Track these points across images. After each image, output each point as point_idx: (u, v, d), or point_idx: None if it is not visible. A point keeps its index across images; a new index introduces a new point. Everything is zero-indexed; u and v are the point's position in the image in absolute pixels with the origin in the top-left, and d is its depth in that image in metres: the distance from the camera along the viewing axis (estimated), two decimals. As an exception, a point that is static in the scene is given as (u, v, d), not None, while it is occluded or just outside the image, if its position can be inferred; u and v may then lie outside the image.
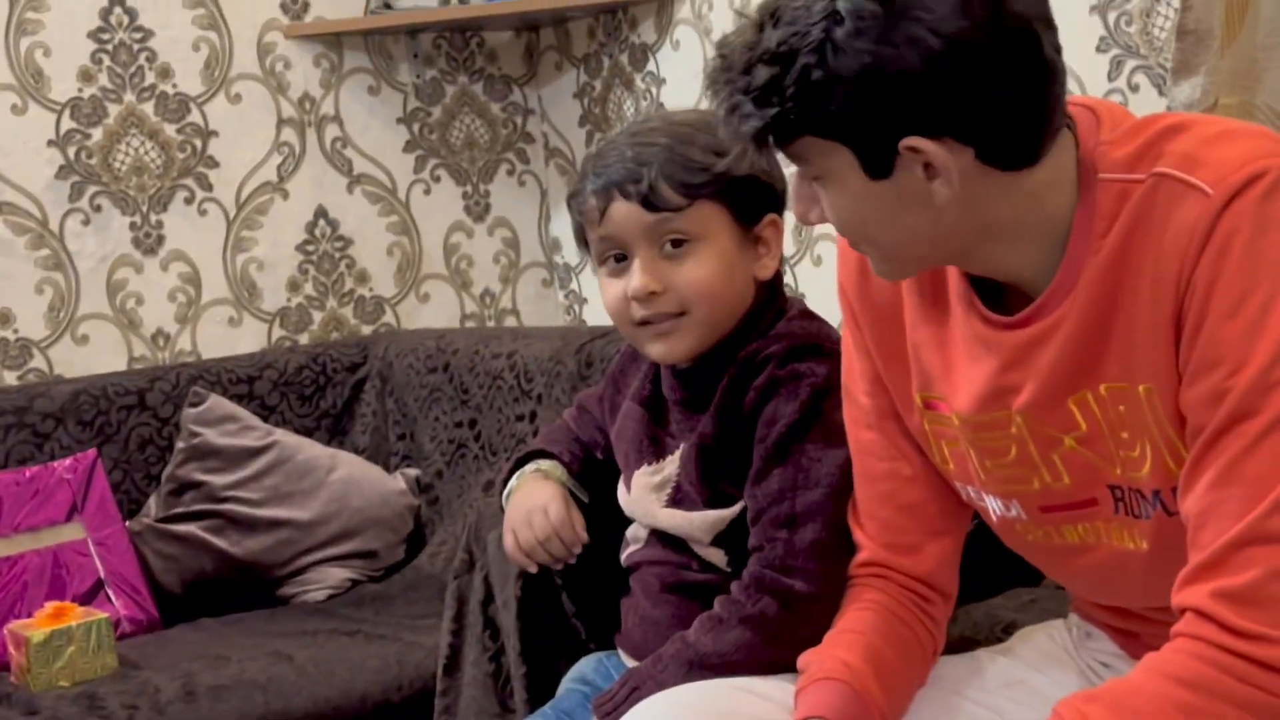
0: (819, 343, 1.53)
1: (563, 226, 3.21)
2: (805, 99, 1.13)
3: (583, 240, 1.60)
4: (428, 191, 3.12)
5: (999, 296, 1.26)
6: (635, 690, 1.47)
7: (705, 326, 1.55)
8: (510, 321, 3.23)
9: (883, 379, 1.39)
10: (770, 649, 1.47)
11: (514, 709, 1.78)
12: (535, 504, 1.67)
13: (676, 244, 1.53)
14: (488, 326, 3.17)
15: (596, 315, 3.15)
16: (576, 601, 1.77)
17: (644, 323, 1.56)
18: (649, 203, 1.52)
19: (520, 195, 3.23)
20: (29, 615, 2.27)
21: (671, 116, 1.61)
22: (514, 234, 3.23)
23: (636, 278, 1.54)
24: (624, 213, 1.53)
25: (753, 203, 1.56)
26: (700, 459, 1.56)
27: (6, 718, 2.06)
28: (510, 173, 3.21)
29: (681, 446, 1.59)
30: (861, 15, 1.10)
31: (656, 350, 1.57)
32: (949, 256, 1.23)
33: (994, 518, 1.36)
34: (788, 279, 3.19)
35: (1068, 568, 1.35)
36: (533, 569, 1.68)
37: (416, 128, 3.09)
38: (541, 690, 1.74)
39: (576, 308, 3.23)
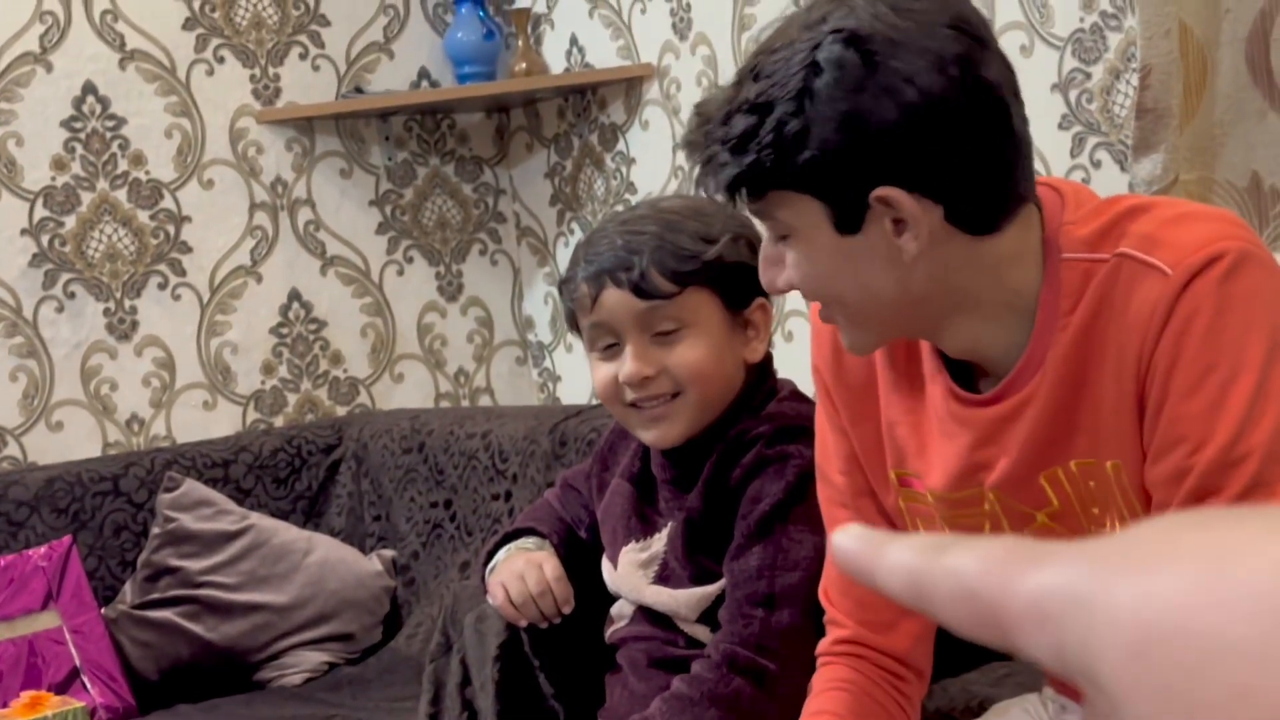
0: (808, 424, 1.53)
1: (535, 305, 3.23)
2: (781, 148, 1.14)
3: (574, 325, 1.62)
4: (401, 272, 3.14)
5: (970, 374, 1.27)
6: None
7: (698, 409, 1.56)
8: (485, 400, 3.24)
9: (858, 457, 1.39)
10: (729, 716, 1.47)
11: None
12: (530, 561, 1.68)
13: (667, 330, 1.55)
14: (462, 406, 3.18)
15: (570, 393, 3.17)
16: (555, 683, 1.77)
17: (635, 405, 1.57)
18: (640, 290, 1.54)
19: (493, 274, 3.25)
20: (4, 705, 2.26)
21: (659, 204, 1.64)
22: (487, 313, 3.25)
23: (629, 364, 1.55)
24: (615, 300, 1.55)
25: (741, 288, 1.57)
26: (687, 534, 1.57)
27: None
28: (483, 252, 3.23)
29: (669, 524, 1.61)
30: (841, 65, 1.12)
31: (649, 435, 1.59)
32: (918, 327, 1.24)
33: None
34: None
35: None
36: (521, 624, 1.68)
37: (389, 209, 3.11)
38: None
39: (550, 385, 3.25)
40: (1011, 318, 1.21)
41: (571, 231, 3.11)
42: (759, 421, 1.56)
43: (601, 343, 1.59)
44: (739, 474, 1.54)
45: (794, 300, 2.55)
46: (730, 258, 1.55)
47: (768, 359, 1.63)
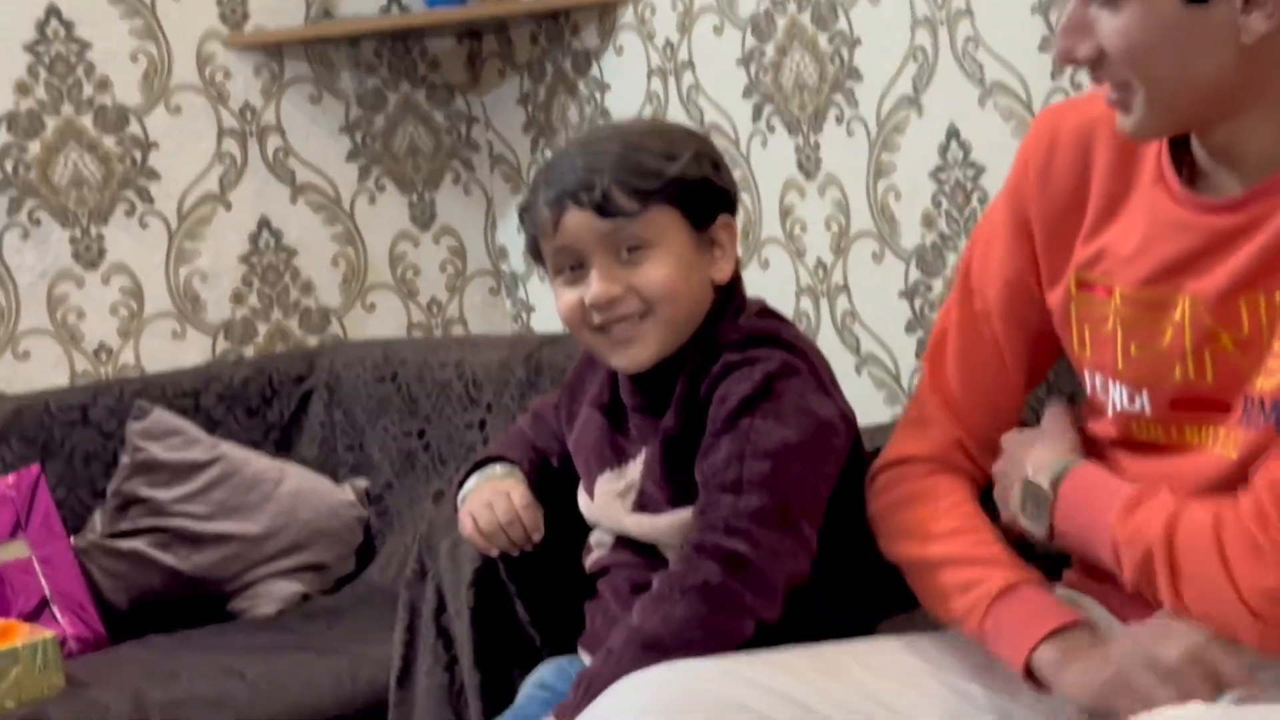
0: (777, 334, 1.55)
1: (509, 234, 3.20)
2: None
3: (536, 253, 1.60)
4: (372, 201, 3.11)
5: (1191, 183, 1.30)
6: (589, 689, 1.47)
7: (667, 329, 1.55)
8: (458, 330, 3.22)
9: (1022, 283, 1.45)
10: (719, 617, 1.47)
11: (468, 719, 1.78)
12: (498, 490, 1.68)
13: (632, 249, 1.54)
14: (435, 336, 3.16)
15: (544, 323, 3.15)
16: (531, 609, 1.78)
17: (602, 329, 1.56)
18: (603, 210, 1.52)
19: (466, 203, 3.22)
20: None
21: (622, 125, 1.65)
22: (460, 242, 3.22)
23: (595, 285, 1.54)
24: (578, 221, 1.53)
25: (705, 206, 1.57)
26: (665, 455, 1.57)
27: None
28: (455, 181, 3.20)
29: (643, 451, 1.60)
30: None
31: (619, 360, 1.58)
32: (1207, 117, 1.25)
33: (1112, 411, 1.39)
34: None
35: (1177, 474, 1.34)
36: (492, 553, 1.68)
37: (359, 136, 3.07)
38: (496, 700, 1.74)
39: (524, 315, 3.23)
40: None
41: (545, 159, 3.07)
42: (728, 332, 1.56)
43: (566, 267, 1.57)
44: (708, 384, 1.54)
45: (770, 227, 2.53)
46: (693, 174, 1.55)
47: (736, 279, 1.62)
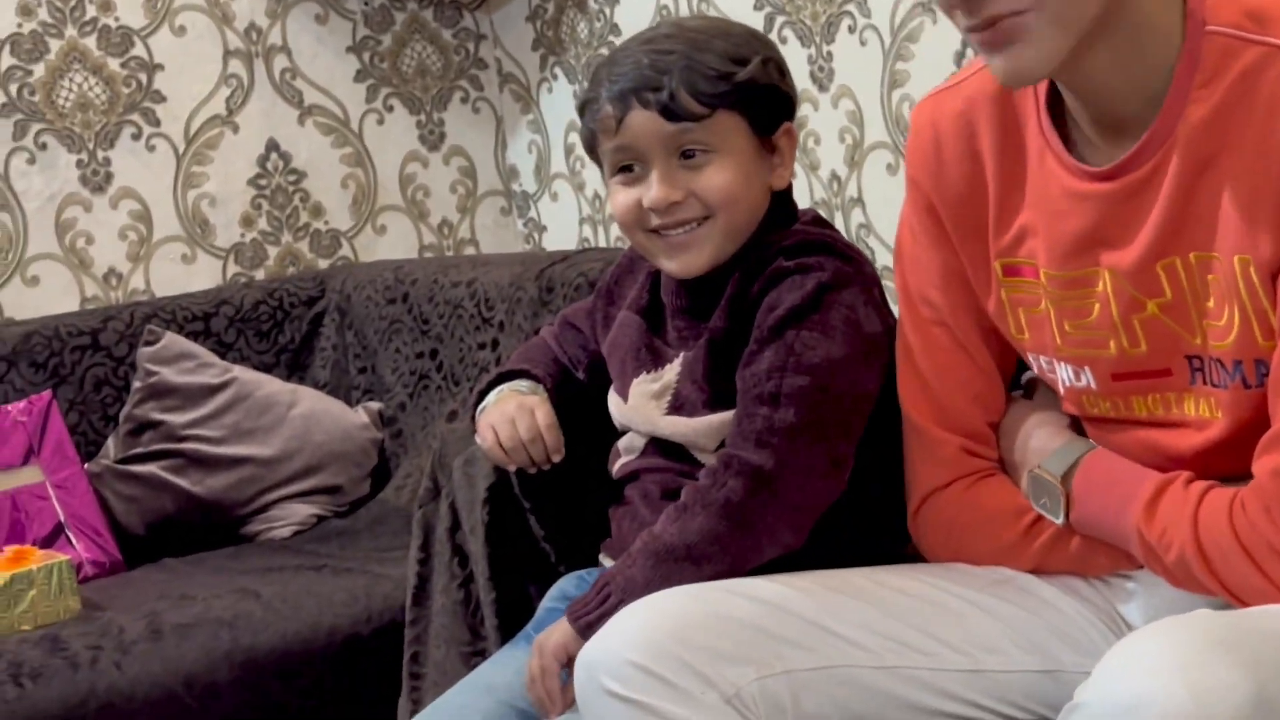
0: (832, 243, 1.54)
1: (519, 153, 3.18)
2: None
3: (592, 149, 1.59)
4: (381, 121, 3.08)
5: (1083, 158, 1.28)
6: (607, 590, 1.47)
7: (724, 235, 1.54)
8: (469, 251, 3.20)
9: (956, 270, 1.42)
10: (738, 535, 1.46)
11: (484, 635, 1.78)
12: (523, 405, 1.67)
13: (694, 153, 1.52)
14: (446, 256, 3.14)
15: (556, 242, 3.13)
16: (545, 525, 1.77)
17: (657, 232, 1.55)
18: (669, 112, 1.50)
19: (475, 123, 3.19)
20: None
21: (684, 23, 1.60)
22: (470, 163, 3.19)
23: (656, 188, 1.53)
24: (642, 121, 1.52)
25: (770, 112, 1.55)
26: (709, 356, 1.55)
27: None
28: (464, 100, 3.17)
29: (681, 355, 1.59)
30: None
31: (673, 264, 1.56)
32: (1097, 27, 1.21)
33: (1063, 389, 1.37)
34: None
35: (1128, 445, 1.34)
36: (510, 468, 1.68)
37: (367, 56, 3.04)
38: (512, 616, 1.74)
39: (536, 236, 3.20)
40: (1146, 65, 1.21)
41: (555, 77, 3.04)
42: (782, 237, 1.54)
43: (624, 166, 1.55)
44: (759, 287, 1.52)
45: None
46: (760, 80, 1.53)
47: (789, 188, 1.60)
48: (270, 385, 2.73)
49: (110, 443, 2.63)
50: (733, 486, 1.47)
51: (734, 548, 1.46)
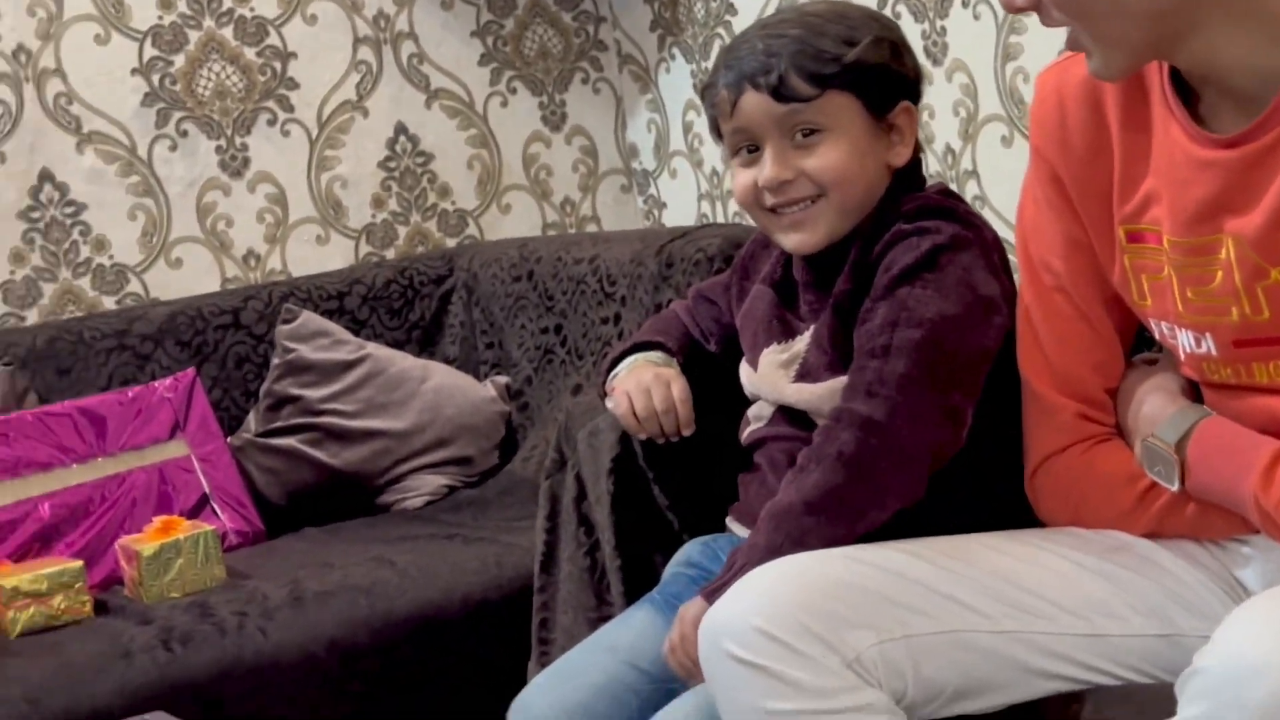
0: (952, 209, 1.54)
1: (638, 132, 3.19)
2: None
3: (717, 132, 1.61)
4: (504, 104, 3.11)
5: (1208, 126, 1.27)
6: (735, 558, 1.47)
7: (838, 213, 1.55)
8: (591, 229, 3.22)
9: (1078, 238, 1.41)
10: (855, 486, 1.46)
11: (610, 601, 1.79)
12: (659, 376, 1.69)
13: (807, 134, 1.53)
14: (569, 234, 3.16)
15: (675, 219, 3.14)
16: (669, 494, 1.78)
17: (774, 211, 1.56)
18: (779, 94, 1.52)
19: (596, 103, 3.21)
20: (138, 531, 2.31)
21: (804, 8, 1.61)
22: (591, 142, 3.21)
23: (768, 168, 1.55)
24: (754, 104, 1.54)
25: (884, 91, 1.55)
26: (835, 317, 1.56)
27: (121, 628, 2.11)
28: (585, 81, 3.19)
29: (811, 327, 1.60)
30: None
31: (790, 241, 1.58)
32: (1168, 41, 1.21)
33: (1183, 354, 1.36)
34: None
35: (1247, 411, 1.32)
36: (641, 436, 1.70)
37: (490, 40, 3.07)
38: (637, 582, 1.75)
39: (656, 212, 3.22)
40: (1264, 34, 1.19)
41: (673, 57, 3.05)
42: (903, 205, 1.55)
43: (742, 148, 1.57)
44: (879, 250, 1.53)
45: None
46: (872, 59, 1.53)
47: (915, 164, 1.61)
48: (402, 361, 2.77)
49: (251, 417, 2.69)
50: (845, 439, 1.47)
51: (852, 500, 1.46)
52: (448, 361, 2.87)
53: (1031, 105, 1.47)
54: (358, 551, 2.34)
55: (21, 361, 2.57)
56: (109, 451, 2.46)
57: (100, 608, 2.20)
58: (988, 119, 2.35)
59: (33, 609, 2.15)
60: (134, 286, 2.80)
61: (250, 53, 2.85)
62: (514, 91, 3.11)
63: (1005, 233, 2.35)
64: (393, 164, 3.00)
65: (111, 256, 2.78)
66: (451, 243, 3.07)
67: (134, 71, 2.75)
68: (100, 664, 2.01)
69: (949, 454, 1.49)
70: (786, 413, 1.62)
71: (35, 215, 2.72)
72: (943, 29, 2.39)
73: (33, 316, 2.73)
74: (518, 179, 3.14)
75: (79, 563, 2.22)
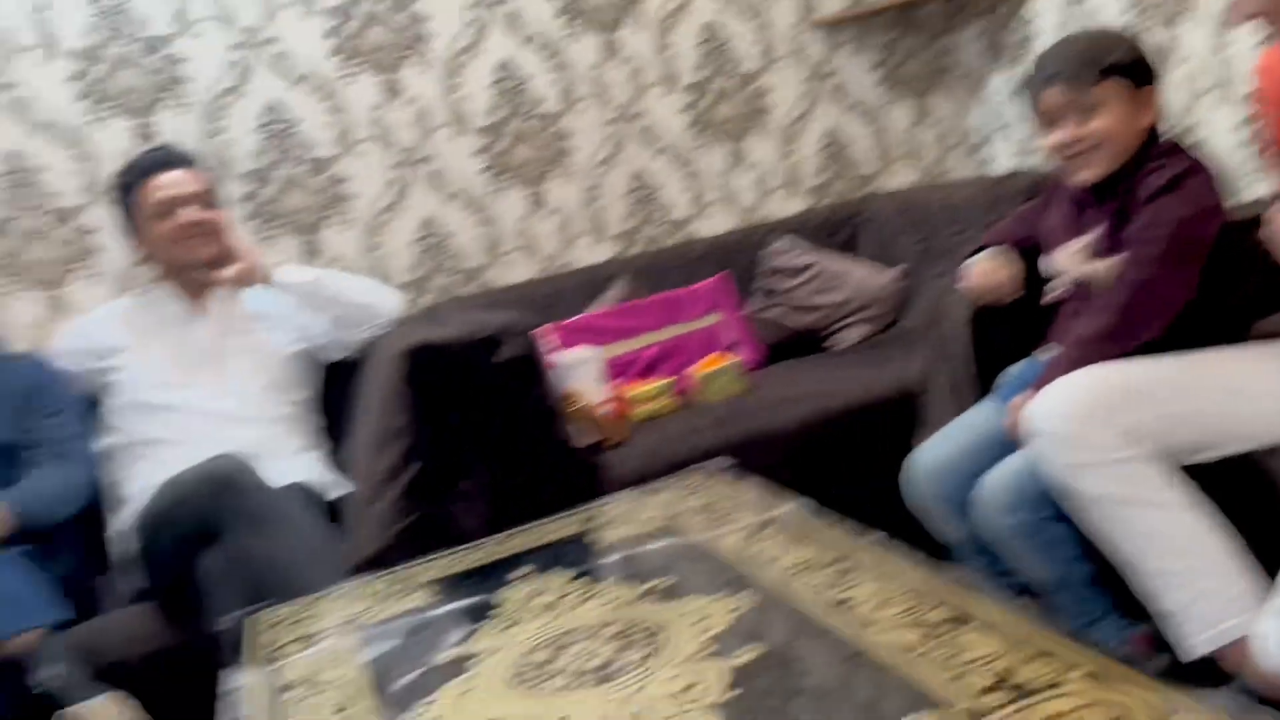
0: (1186, 150, 1.47)
1: (981, 114, 3.01)
2: None
3: (1033, 111, 1.53)
4: (892, 105, 2.97)
5: None
6: (1046, 375, 1.41)
7: (1107, 158, 1.48)
8: (949, 178, 3.05)
9: None
10: (1124, 326, 1.40)
11: (967, 402, 1.72)
12: (997, 261, 1.63)
13: (1088, 108, 1.47)
14: (936, 184, 2.99)
15: (1000, 168, 2.95)
16: (1000, 338, 1.73)
17: (1068, 159, 1.51)
18: (1065, 85, 1.47)
19: (952, 96, 3.03)
20: (698, 363, 2.36)
21: (1086, 29, 1.55)
22: (947, 122, 3.05)
23: (1060, 133, 1.50)
24: (1052, 92, 1.48)
25: (1135, 79, 1.48)
26: (1113, 220, 1.50)
27: (693, 417, 2.16)
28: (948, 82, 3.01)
29: (1095, 230, 1.53)
30: None
31: (1079, 176, 1.52)
32: None
33: None
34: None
35: None
36: (985, 300, 1.64)
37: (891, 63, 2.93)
38: (985, 388, 1.70)
39: (988, 165, 3.05)
40: None
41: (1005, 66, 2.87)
42: (1155, 148, 1.48)
43: (1048, 121, 1.50)
44: (1140, 177, 1.47)
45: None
46: (1125, 60, 1.47)
47: (1155, 126, 1.51)
48: (836, 264, 2.69)
49: (753, 299, 2.69)
50: (1121, 296, 1.41)
51: (1123, 334, 1.40)
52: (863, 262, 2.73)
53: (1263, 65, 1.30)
54: (811, 374, 2.35)
55: (631, 274, 2.59)
56: (684, 319, 2.49)
57: (681, 407, 2.26)
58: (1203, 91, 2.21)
59: (648, 406, 2.24)
60: (691, 229, 2.76)
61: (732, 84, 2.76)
62: (903, 98, 2.93)
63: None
64: (828, 151, 2.90)
65: (670, 213, 2.74)
66: (859, 195, 2.90)
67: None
68: (684, 435, 2.09)
69: (1181, 306, 1.43)
70: (1078, 283, 1.56)
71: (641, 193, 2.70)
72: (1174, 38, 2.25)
73: (638, 247, 2.72)
74: (902, 151, 3.00)
75: (670, 378, 2.32)
